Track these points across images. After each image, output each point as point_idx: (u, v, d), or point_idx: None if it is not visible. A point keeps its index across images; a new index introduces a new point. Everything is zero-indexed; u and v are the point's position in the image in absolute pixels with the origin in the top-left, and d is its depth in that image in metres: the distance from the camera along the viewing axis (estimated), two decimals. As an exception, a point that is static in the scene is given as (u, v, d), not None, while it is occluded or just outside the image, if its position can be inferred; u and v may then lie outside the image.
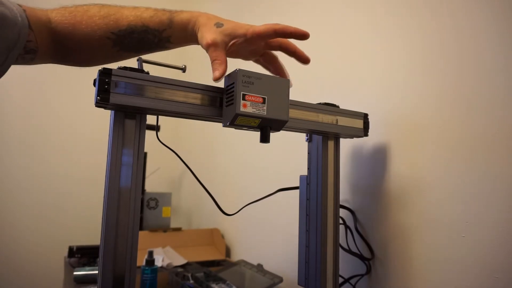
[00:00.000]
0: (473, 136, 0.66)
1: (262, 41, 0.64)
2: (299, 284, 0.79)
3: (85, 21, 0.63)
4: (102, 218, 0.54)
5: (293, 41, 0.65)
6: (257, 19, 1.45)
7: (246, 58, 0.69)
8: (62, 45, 0.63)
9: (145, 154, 1.58)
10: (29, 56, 0.60)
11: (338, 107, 0.75)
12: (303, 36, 0.61)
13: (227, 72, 0.60)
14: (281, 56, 0.69)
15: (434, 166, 0.73)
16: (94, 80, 0.52)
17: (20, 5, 0.59)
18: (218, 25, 0.61)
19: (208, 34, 0.60)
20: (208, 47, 0.60)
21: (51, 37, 0.62)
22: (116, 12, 0.64)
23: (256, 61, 0.70)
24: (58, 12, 0.63)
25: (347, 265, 0.89)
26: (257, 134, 0.63)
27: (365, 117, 0.78)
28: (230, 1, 1.75)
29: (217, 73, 0.58)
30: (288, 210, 1.15)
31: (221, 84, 0.61)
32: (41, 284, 1.81)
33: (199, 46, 0.64)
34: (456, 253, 0.67)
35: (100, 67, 0.53)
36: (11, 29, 0.54)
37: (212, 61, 0.59)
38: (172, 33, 0.65)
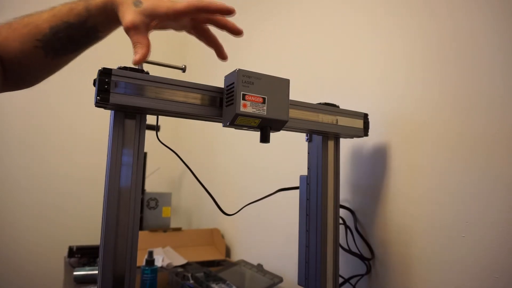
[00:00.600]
0: (473, 136, 0.66)
1: (187, 18, 0.62)
2: (299, 284, 0.79)
3: (11, 35, 0.60)
4: (102, 218, 0.54)
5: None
6: (257, 19, 1.46)
7: (177, 30, 0.66)
8: (4, 67, 0.60)
9: (145, 154, 1.58)
10: None
11: (338, 107, 0.75)
12: (228, 11, 0.60)
13: (227, 72, 0.60)
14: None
15: (434, 166, 0.73)
16: (94, 80, 0.52)
17: None
18: (137, 4, 0.58)
19: (127, 15, 0.57)
20: (128, 30, 0.57)
21: None
22: (36, 18, 0.61)
23: (189, 33, 0.68)
24: None
25: (347, 265, 0.89)
26: (257, 134, 0.63)
27: (365, 117, 0.78)
28: (228, 3, 1.75)
29: (138, 56, 0.56)
30: (288, 210, 1.15)
31: (221, 84, 0.61)
32: (41, 284, 1.81)
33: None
34: (456, 253, 0.67)
35: (100, 67, 0.53)
36: None
37: (134, 45, 0.57)
38: (95, 21, 0.61)
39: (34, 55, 0.61)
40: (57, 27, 0.60)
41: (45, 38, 0.60)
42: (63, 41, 0.61)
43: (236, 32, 0.63)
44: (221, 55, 0.67)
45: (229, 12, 0.60)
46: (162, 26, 0.63)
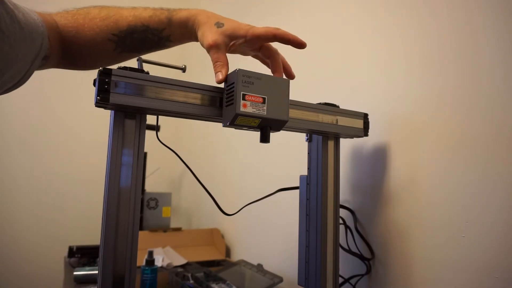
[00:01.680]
0: (473, 136, 0.66)
1: (261, 43, 0.65)
2: (299, 284, 0.79)
3: (87, 24, 0.63)
4: (102, 218, 0.54)
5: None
6: (257, 18, 1.45)
7: (243, 54, 0.69)
8: (67, 49, 0.63)
9: (145, 154, 1.58)
10: (42, 62, 0.59)
11: (338, 107, 0.75)
12: (300, 45, 0.62)
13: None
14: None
15: (434, 166, 0.73)
16: (94, 80, 0.53)
17: (36, 12, 0.58)
18: (219, 25, 0.61)
19: (209, 34, 0.60)
20: (209, 48, 0.60)
21: (59, 42, 0.62)
22: (116, 13, 0.64)
23: (255, 57, 0.70)
24: (62, 16, 0.63)
25: (347, 265, 0.89)
26: (257, 134, 0.63)
27: (365, 117, 0.78)
28: (228, 2, 1.75)
29: (220, 76, 0.58)
30: (288, 210, 1.15)
31: (221, 84, 0.61)
32: (41, 284, 1.81)
33: (199, 45, 0.64)
34: (456, 253, 0.67)
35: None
36: (39, 40, 0.55)
37: (214, 63, 0.60)
38: (172, 32, 0.65)
39: (104, 46, 0.64)
40: (135, 27, 0.64)
41: (120, 34, 0.63)
42: (135, 41, 0.65)
43: (299, 45, 0.64)
44: (290, 76, 0.69)
45: (302, 46, 0.63)
46: (234, 49, 0.65)
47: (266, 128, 0.60)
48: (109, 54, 0.65)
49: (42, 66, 0.61)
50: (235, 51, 0.67)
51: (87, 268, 1.18)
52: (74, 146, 1.97)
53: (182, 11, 0.64)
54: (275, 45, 0.67)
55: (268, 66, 0.69)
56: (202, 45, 0.62)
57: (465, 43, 0.69)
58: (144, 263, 1.06)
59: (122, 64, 0.56)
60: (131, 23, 0.64)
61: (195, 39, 0.65)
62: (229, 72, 0.59)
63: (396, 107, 0.82)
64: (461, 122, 0.69)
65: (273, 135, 0.64)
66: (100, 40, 0.63)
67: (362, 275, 0.85)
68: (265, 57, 0.68)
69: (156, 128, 0.68)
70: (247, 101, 0.56)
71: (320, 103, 0.73)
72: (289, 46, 0.63)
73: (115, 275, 0.53)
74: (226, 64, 0.60)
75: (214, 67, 0.60)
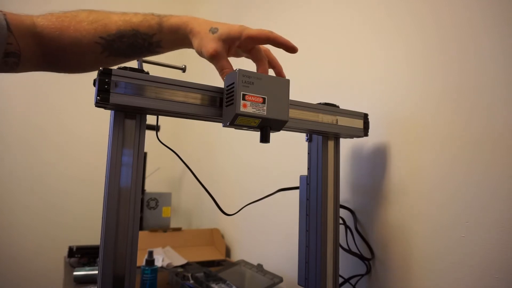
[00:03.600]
0: (474, 136, 0.66)
1: (254, 45, 0.65)
2: (299, 284, 0.79)
3: (73, 26, 0.63)
4: (102, 218, 0.54)
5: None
6: (257, 19, 1.45)
7: (236, 55, 0.69)
8: (48, 49, 0.63)
9: (145, 154, 1.58)
10: (12, 60, 0.60)
11: (338, 107, 0.75)
12: (292, 49, 0.63)
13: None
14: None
15: (435, 166, 0.73)
16: (94, 80, 0.52)
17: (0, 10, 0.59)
18: (213, 30, 0.61)
19: (208, 44, 0.60)
20: (212, 58, 0.60)
21: (36, 41, 0.62)
22: (105, 17, 0.64)
23: (247, 56, 0.70)
24: (44, 17, 0.63)
25: (347, 265, 0.89)
26: (257, 134, 0.63)
27: (365, 117, 0.78)
28: (228, 3, 1.75)
29: None
30: (288, 210, 1.15)
31: (221, 84, 0.61)
32: (41, 284, 1.81)
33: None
34: (456, 253, 0.67)
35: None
36: None
37: (221, 70, 0.60)
38: (162, 38, 0.65)
39: (90, 49, 0.64)
40: (124, 31, 0.64)
41: (109, 38, 0.63)
42: (124, 46, 0.64)
43: (291, 49, 0.64)
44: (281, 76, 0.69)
45: (293, 50, 0.63)
46: (233, 54, 0.66)
47: (266, 128, 0.60)
48: (95, 57, 0.65)
49: (15, 66, 0.61)
50: (229, 52, 0.66)
51: (87, 268, 1.18)
52: (74, 146, 1.97)
53: (173, 18, 0.65)
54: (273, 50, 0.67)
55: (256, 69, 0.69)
56: (201, 54, 0.62)
57: (466, 43, 0.69)
58: (144, 263, 1.06)
59: (122, 64, 0.56)
60: (121, 27, 0.64)
61: (188, 46, 0.65)
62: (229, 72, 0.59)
63: (397, 107, 0.82)
64: (461, 122, 0.69)
65: (273, 135, 0.64)
66: (86, 42, 0.63)
67: (362, 275, 0.85)
68: (254, 59, 0.68)
69: (156, 128, 0.68)
70: (247, 101, 0.56)
71: (320, 103, 0.73)
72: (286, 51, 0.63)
73: (115, 275, 0.53)
74: (232, 69, 0.60)
75: (221, 73, 0.61)
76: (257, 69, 0.66)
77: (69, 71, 0.70)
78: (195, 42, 0.62)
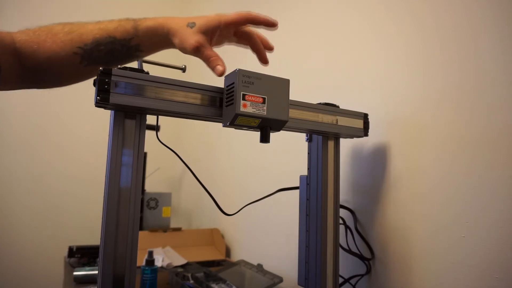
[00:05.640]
0: (474, 137, 0.66)
1: (234, 29, 0.66)
2: (299, 284, 0.79)
3: (50, 38, 0.63)
4: (102, 218, 0.54)
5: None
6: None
7: (219, 44, 0.69)
8: (28, 65, 0.63)
9: (145, 154, 1.58)
10: None
11: (338, 107, 0.75)
12: (272, 25, 0.65)
13: (227, 72, 0.60)
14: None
15: (435, 166, 0.73)
16: (94, 80, 0.53)
17: None
18: (191, 25, 0.62)
19: (188, 39, 0.60)
20: (196, 50, 0.60)
21: (16, 58, 0.62)
22: (80, 27, 0.64)
23: (229, 43, 0.71)
24: (23, 32, 0.64)
25: (347, 265, 0.89)
26: (257, 134, 0.63)
27: (365, 117, 0.78)
28: (228, 3, 1.75)
29: (220, 68, 0.59)
30: (288, 210, 1.15)
31: (221, 84, 0.61)
32: (41, 284, 1.81)
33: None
34: (456, 253, 0.67)
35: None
36: None
37: (208, 60, 0.60)
38: (140, 41, 0.65)
39: (68, 60, 0.64)
40: (100, 39, 0.64)
41: (86, 47, 0.63)
42: (102, 54, 0.64)
43: (272, 25, 0.66)
44: (263, 60, 0.70)
45: (274, 25, 0.65)
46: (215, 43, 0.66)
47: (266, 128, 0.60)
48: (75, 69, 0.65)
49: None
50: (218, 44, 0.67)
51: (87, 268, 1.18)
52: (74, 146, 1.97)
53: (148, 20, 0.65)
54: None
55: (243, 46, 0.70)
56: (184, 51, 0.62)
57: (466, 43, 0.69)
58: (144, 263, 1.06)
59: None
60: (96, 35, 0.64)
61: (170, 46, 0.65)
62: (229, 72, 0.59)
63: (397, 107, 0.82)
64: (462, 123, 0.69)
65: (273, 135, 0.64)
66: (64, 54, 0.63)
67: (362, 275, 0.85)
68: (242, 40, 0.69)
69: (156, 128, 0.68)
70: (247, 101, 0.56)
71: (320, 103, 0.73)
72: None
73: (115, 275, 0.53)
74: (219, 56, 0.60)
75: (209, 63, 0.60)
76: (252, 47, 0.67)
77: (50, 85, 0.70)
78: (176, 40, 0.62)
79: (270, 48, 0.70)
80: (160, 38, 0.64)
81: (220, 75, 0.59)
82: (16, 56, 0.62)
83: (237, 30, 0.68)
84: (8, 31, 0.63)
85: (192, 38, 0.60)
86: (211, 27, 0.62)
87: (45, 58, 0.63)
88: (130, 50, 0.65)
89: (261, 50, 0.69)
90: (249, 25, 0.66)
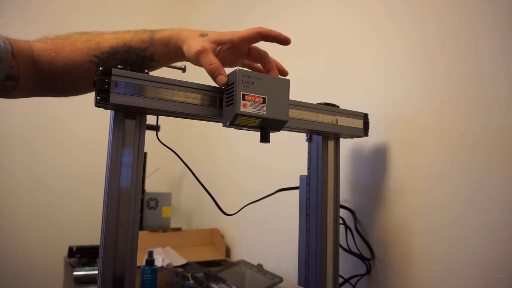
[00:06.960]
0: (474, 137, 0.66)
1: (247, 45, 0.65)
2: (299, 284, 0.79)
3: (68, 46, 0.64)
4: (102, 218, 0.54)
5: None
6: (257, 20, 1.45)
7: (232, 64, 0.69)
8: (45, 72, 0.64)
9: (145, 154, 1.58)
10: (10, 83, 0.60)
11: (338, 107, 0.75)
12: (285, 41, 0.64)
13: (227, 73, 0.60)
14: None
15: (435, 166, 0.73)
16: (94, 80, 0.53)
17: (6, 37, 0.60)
18: (203, 35, 0.62)
19: (195, 43, 0.60)
20: (198, 54, 0.59)
21: (34, 66, 0.63)
22: (97, 36, 0.65)
23: (244, 65, 0.70)
24: (41, 40, 0.64)
25: (347, 265, 0.89)
26: (257, 134, 0.63)
27: (365, 117, 0.78)
28: (228, 2, 1.75)
29: (223, 78, 0.58)
30: (288, 210, 1.15)
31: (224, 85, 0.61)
32: (41, 284, 1.81)
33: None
34: (456, 253, 0.67)
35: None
36: None
37: (208, 66, 0.58)
38: (155, 50, 0.65)
39: (85, 68, 0.64)
40: (117, 48, 0.64)
41: (102, 56, 0.64)
42: (118, 62, 0.65)
43: (284, 41, 0.64)
44: (284, 73, 0.69)
45: (286, 42, 0.64)
46: (222, 56, 0.65)
47: (266, 128, 0.60)
48: (91, 77, 0.65)
49: (12, 90, 0.62)
50: (223, 60, 0.65)
51: (87, 268, 1.18)
52: (74, 146, 1.97)
53: (165, 30, 0.65)
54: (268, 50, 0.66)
55: (259, 70, 0.69)
56: (189, 57, 0.62)
57: (466, 43, 0.69)
58: (144, 263, 1.06)
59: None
60: (113, 44, 0.64)
61: (180, 57, 0.65)
62: (229, 72, 0.59)
63: (397, 107, 0.82)
64: (462, 123, 0.69)
65: (273, 135, 0.64)
66: (81, 62, 0.64)
67: (362, 275, 0.85)
68: (256, 60, 0.68)
69: (156, 128, 0.68)
70: (247, 101, 0.56)
71: (320, 103, 0.73)
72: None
73: (115, 275, 0.53)
74: (220, 65, 0.59)
75: (209, 71, 0.59)
76: (264, 67, 0.66)
77: (64, 94, 0.70)
78: (185, 47, 0.62)
79: (285, 73, 0.69)
80: (173, 48, 0.64)
81: (222, 84, 0.58)
82: (34, 65, 0.63)
83: (252, 52, 0.67)
84: (27, 40, 0.64)
85: (199, 43, 0.60)
86: (223, 40, 0.62)
87: (62, 65, 0.63)
88: (144, 60, 0.66)
89: (275, 73, 0.68)
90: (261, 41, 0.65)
